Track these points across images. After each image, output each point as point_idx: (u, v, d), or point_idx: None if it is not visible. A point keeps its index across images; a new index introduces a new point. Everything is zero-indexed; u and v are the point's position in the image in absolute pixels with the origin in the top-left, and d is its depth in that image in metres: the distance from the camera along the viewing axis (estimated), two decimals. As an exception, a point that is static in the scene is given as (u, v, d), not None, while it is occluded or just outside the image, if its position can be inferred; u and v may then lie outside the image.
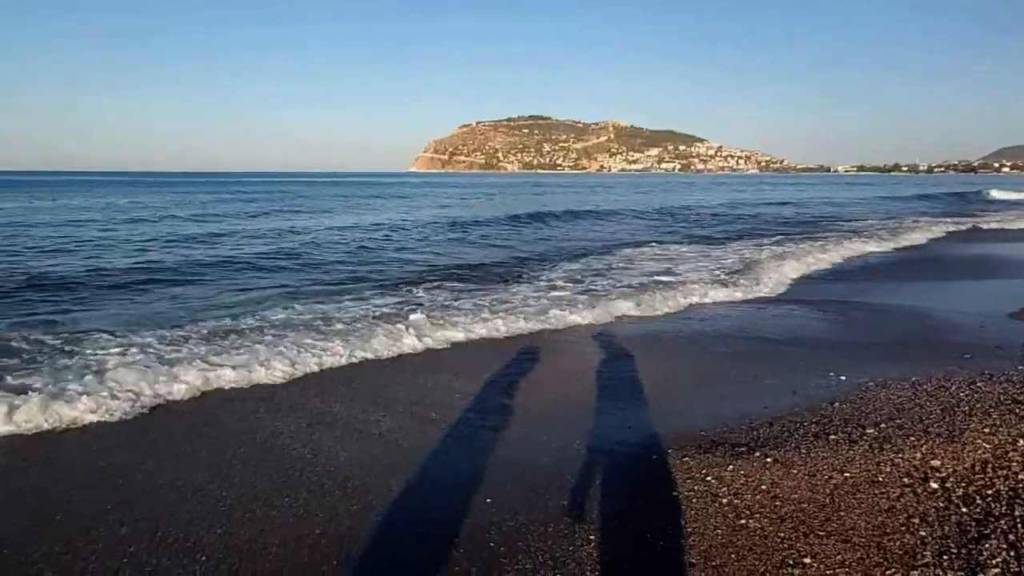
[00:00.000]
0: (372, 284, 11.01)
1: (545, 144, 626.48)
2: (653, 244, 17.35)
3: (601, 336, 7.45)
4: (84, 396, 5.00)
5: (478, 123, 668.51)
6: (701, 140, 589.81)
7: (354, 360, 6.34)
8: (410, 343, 6.90)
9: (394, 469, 4.10)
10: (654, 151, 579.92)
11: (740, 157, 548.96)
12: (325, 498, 3.73)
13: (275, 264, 13.36)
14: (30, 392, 5.00)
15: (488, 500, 3.68)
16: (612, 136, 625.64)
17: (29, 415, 4.63)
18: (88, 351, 6.38)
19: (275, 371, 5.90)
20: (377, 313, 8.33)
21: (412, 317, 7.73)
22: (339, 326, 7.56)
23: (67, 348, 6.48)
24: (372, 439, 4.58)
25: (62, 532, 3.36)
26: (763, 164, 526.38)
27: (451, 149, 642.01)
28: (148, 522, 3.45)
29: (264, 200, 41.31)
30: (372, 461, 4.23)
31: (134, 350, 6.37)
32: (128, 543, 3.26)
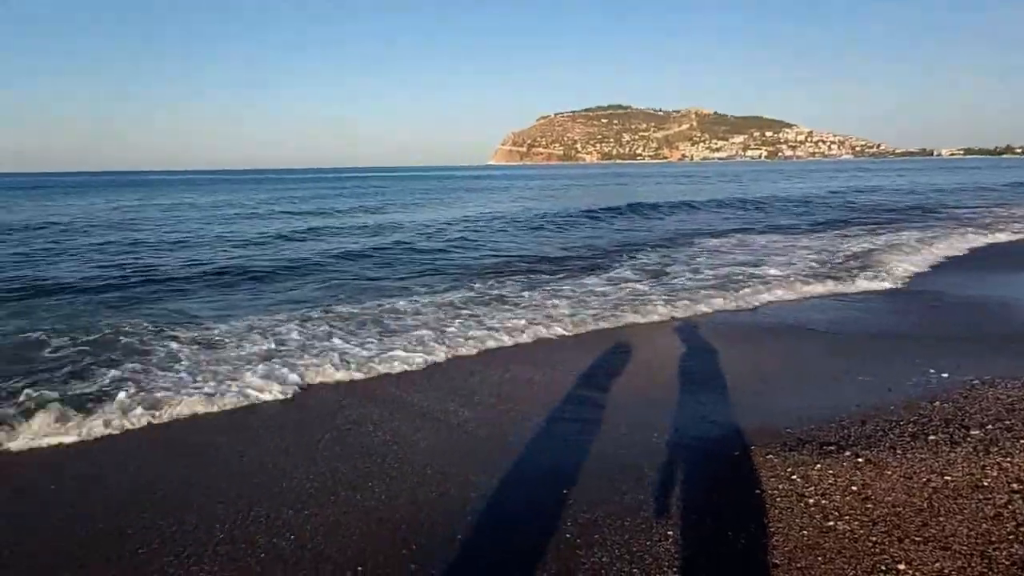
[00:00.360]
0: (450, 277, 11.20)
1: (624, 134, 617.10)
2: (737, 234, 16.82)
3: (682, 329, 7.29)
4: (189, 390, 5.31)
5: (556, 115, 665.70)
6: (790, 125, 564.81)
7: (432, 353, 6.44)
8: (490, 336, 6.96)
9: (471, 458, 4.17)
10: (739, 138, 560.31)
11: (832, 142, 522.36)
12: (405, 484, 3.83)
13: (369, 258, 13.77)
14: (142, 386, 5.38)
15: (564, 491, 3.68)
16: (694, 124, 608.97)
17: (141, 408, 4.94)
18: (193, 345, 6.81)
19: (360, 363, 6.10)
20: (456, 305, 8.48)
21: (482, 315, 7.80)
22: (412, 320, 7.74)
23: (180, 342, 6.87)
24: (451, 429, 4.67)
25: (163, 506, 3.61)
26: (858, 149, 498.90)
27: (529, 141, 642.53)
28: (242, 500, 3.66)
29: (351, 196, 42.68)
30: (450, 450, 4.31)
31: (245, 344, 6.70)
32: (223, 518, 3.46)
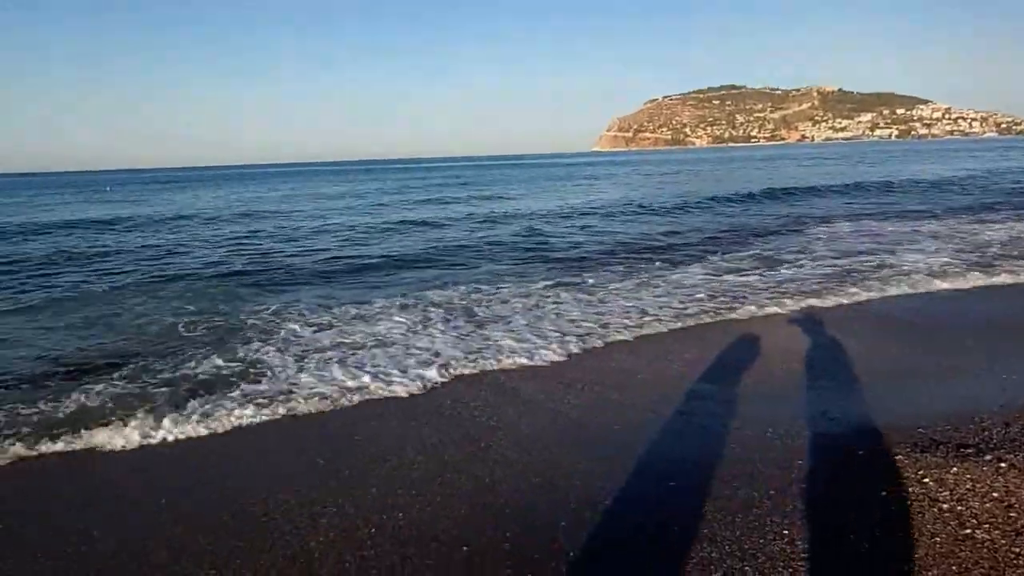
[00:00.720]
0: (557, 266, 11.24)
1: (738, 115, 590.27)
2: (861, 220, 15.74)
3: (799, 322, 6.91)
4: (308, 383, 5.51)
5: (664, 98, 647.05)
6: (924, 102, 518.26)
7: (539, 343, 6.45)
8: (596, 327, 6.90)
9: (575, 446, 4.15)
10: (866, 117, 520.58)
11: (974, 120, 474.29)
12: (509, 470, 3.87)
13: (478, 248, 14.06)
14: (263, 374, 5.72)
15: (671, 484, 3.59)
16: (816, 102, 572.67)
17: (258, 398, 5.23)
18: (309, 330, 7.25)
19: (467, 352, 6.26)
20: (561, 295, 8.48)
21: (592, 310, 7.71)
22: (518, 308, 7.81)
23: (296, 333, 7.31)
24: (555, 415, 4.67)
25: (282, 484, 3.86)
26: (1004, 126, 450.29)
27: (635, 126, 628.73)
28: (355, 480, 3.84)
29: (457, 185, 43.55)
30: (553, 437, 4.31)
31: (357, 334, 6.95)
32: (337, 495, 3.65)
